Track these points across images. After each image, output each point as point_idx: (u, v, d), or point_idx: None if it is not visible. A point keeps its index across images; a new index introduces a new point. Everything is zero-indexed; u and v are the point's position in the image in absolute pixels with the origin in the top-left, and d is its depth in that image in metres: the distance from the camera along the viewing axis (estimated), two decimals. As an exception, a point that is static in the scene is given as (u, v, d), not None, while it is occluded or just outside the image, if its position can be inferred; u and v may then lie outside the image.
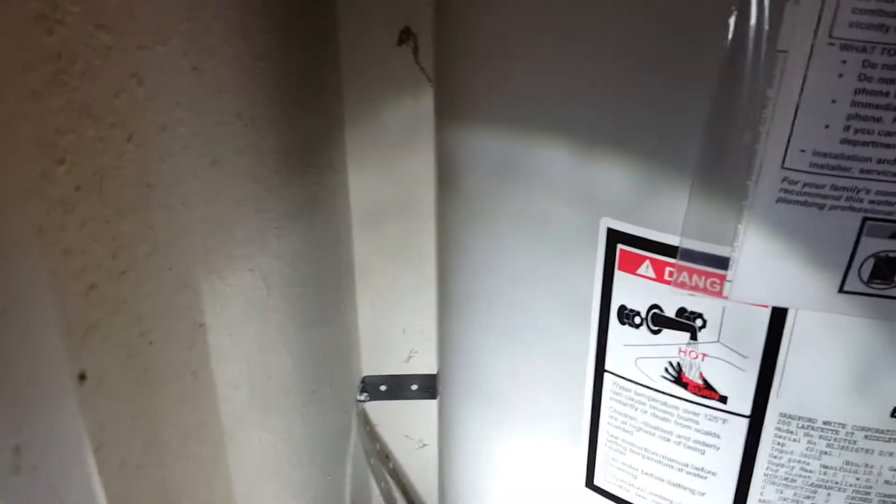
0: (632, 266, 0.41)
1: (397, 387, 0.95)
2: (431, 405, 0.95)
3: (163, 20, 0.41)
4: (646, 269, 0.40)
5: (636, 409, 0.44)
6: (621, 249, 0.41)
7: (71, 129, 0.34)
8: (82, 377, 0.33)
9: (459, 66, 0.48)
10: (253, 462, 0.57)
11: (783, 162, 0.34)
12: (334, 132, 0.78)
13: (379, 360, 0.96)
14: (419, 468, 1.01)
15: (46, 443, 0.25)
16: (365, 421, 0.96)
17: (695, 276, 0.38)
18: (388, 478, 0.98)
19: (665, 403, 0.42)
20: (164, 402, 0.42)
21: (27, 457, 0.23)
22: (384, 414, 0.98)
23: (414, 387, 0.95)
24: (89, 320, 0.35)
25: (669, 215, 0.38)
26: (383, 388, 0.95)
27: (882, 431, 0.38)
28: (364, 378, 0.95)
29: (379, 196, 0.86)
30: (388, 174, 0.85)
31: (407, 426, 0.99)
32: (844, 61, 0.32)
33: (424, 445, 1.00)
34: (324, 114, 0.74)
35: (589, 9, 0.38)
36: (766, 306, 0.37)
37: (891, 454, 0.39)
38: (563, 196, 0.42)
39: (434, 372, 0.94)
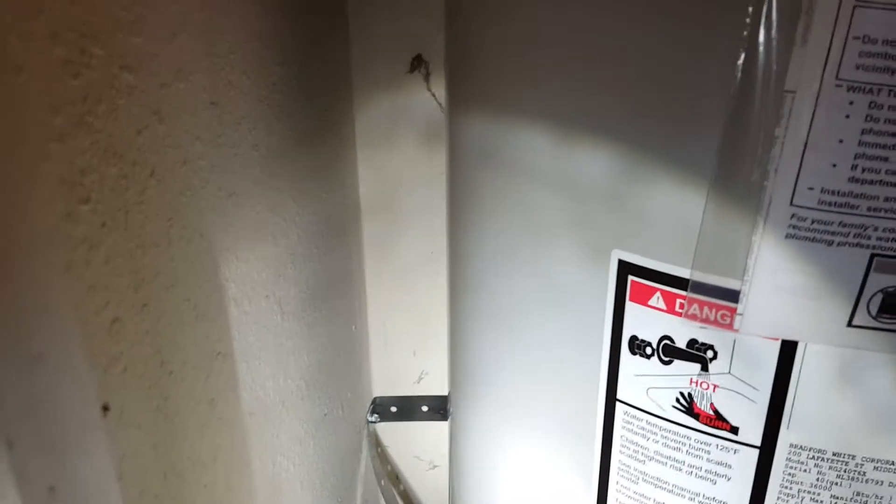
0: (643, 297, 0.41)
1: (408, 408, 0.96)
2: (442, 427, 0.96)
3: (184, 57, 0.42)
4: (657, 300, 0.41)
5: (648, 439, 0.44)
6: (632, 281, 0.41)
7: (95, 169, 0.35)
8: (105, 409, 0.33)
9: (469, 78, 0.50)
10: (268, 487, 0.58)
11: (792, 199, 0.34)
12: (348, 159, 0.79)
13: (390, 382, 0.96)
14: (430, 490, 1.01)
15: (77, 482, 0.26)
16: (376, 442, 0.96)
17: (705, 309, 0.39)
18: (399, 500, 0.98)
19: (676, 433, 0.43)
20: (183, 432, 0.43)
21: (60, 496, 0.24)
22: (395, 435, 0.98)
23: (424, 408, 0.96)
24: (111, 353, 0.35)
25: (680, 248, 0.39)
26: (394, 409, 0.96)
27: (892, 463, 0.39)
28: (375, 399, 0.96)
29: (391, 222, 0.87)
30: (401, 200, 0.86)
31: (417, 448, 0.99)
32: (851, 102, 0.32)
33: (435, 467, 1.00)
34: (337, 141, 0.75)
35: (598, 45, 0.39)
36: (776, 339, 0.38)
37: (901, 486, 0.39)
38: (574, 226, 0.43)
39: (444, 393, 0.94)
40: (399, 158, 0.84)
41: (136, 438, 0.37)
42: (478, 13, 0.47)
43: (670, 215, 0.39)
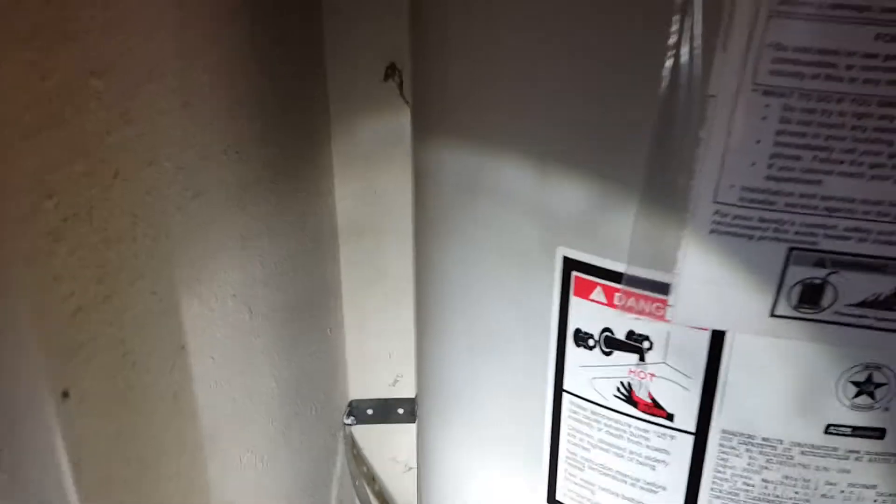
0: (585, 291, 0.44)
1: (384, 410, 0.98)
2: (417, 429, 0.98)
3: (155, 61, 0.44)
4: (598, 294, 0.43)
5: (592, 427, 0.46)
6: (576, 276, 0.44)
7: (61, 166, 0.37)
8: (65, 395, 0.35)
9: (431, 93, 0.52)
10: (235, 481, 0.59)
11: (715, 196, 0.37)
12: (322, 160, 0.81)
13: (366, 384, 0.98)
14: (405, 491, 1.03)
15: (26, 449, 0.27)
16: (351, 444, 0.98)
17: (640, 301, 0.41)
18: (374, 501, 0.99)
19: (618, 421, 0.45)
20: (147, 421, 0.44)
21: (7, 460, 0.26)
22: (371, 437, 1.00)
23: (400, 411, 0.97)
24: (75, 341, 0.37)
25: (618, 243, 0.41)
26: (370, 411, 0.97)
27: (817, 447, 0.41)
28: (351, 402, 0.98)
29: (366, 222, 0.89)
30: (375, 200, 0.88)
31: (393, 450, 1.01)
32: (767, 105, 0.35)
33: (410, 469, 1.02)
34: (313, 143, 0.78)
35: (543, 56, 0.41)
36: (706, 329, 0.40)
37: (826, 469, 0.41)
38: (522, 224, 0.45)
39: (419, 396, 0.96)
40: (374, 160, 0.85)
41: (96, 425, 0.39)
42: (442, 46, 0.49)
43: (607, 212, 0.41)
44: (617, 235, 0.41)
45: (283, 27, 0.67)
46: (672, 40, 0.36)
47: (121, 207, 0.42)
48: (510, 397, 0.51)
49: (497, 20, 0.43)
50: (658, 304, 0.41)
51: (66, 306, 0.37)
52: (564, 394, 0.47)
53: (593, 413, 0.46)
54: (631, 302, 0.41)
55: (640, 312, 0.41)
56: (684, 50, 0.36)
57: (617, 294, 0.42)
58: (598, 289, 0.43)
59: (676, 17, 0.36)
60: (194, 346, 0.50)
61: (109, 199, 0.41)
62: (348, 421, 0.97)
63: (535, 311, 0.46)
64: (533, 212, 0.44)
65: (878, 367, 0.38)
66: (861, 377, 0.39)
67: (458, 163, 0.49)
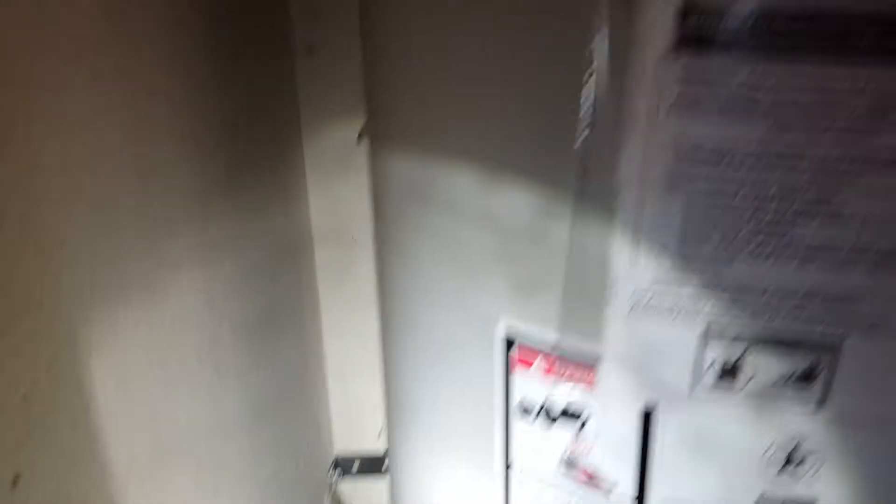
0: (527, 362, 0.45)
1: (370, 464, 0.98)
2: (403, 482, 0.98)
3: (107, 139, 0.45)
4: (538, 364, 0.44)
5: (541, 496, 0.47)
6: (518, 347, 0.45)
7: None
8: (15, 479, 0.37)
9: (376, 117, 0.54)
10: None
11: (631, 278, 0.38)
12: (300, 210, 0.81)
13: (351, 437, 0.99)
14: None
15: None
16: (337, 499, 0.98)
17: (576, 372, 0.42)
18: (362, 555, 0.99)
19: (564, 492, 0.46)
20: (100, 497, 0.46)
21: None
22: (358, 491, 1.00)
23: (387, 463, 0.98)
24: (25, 426, 0.39)
25: (556, 315, 0.43)
26: (355, 465, 0.98)
27: (752, 516, 0.42)
28: (336, 457, 0.98)
29: (345, 254, 0.89)
30: (355, 230, 0.87)
31: (380, 502, 1.01)
32: (673, 196, 0.36)
33: (398, 522, 1.02)
34: (282, 173, 0.77)
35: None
36: (634, 401, 0.41)
37: (763, 539, 0.42)
38: (464, 297, 0.47)
39: (404, 449, 0.97)
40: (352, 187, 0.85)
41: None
42: (391, 60, 0.50)
43: (540, 288, 0.43)
44: (552, 308, 0.42)
45: (250, 71, 0.66)
46: (581, 133, 0.38)
47: (77, 280, 0.43)
48: (461, 467, 0.52)
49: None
50: (590, 375, 0.42)
51: (16, 392, 0.39)
52: (513, 463, 0.48)
53: (540, 482, 0.47)
54: (565, 373, 0.43)
55: (576, 382, 0.42)
56: (592, 140, 0.38)
57: (554, 365, 0.43)
58: (539, 359, 0.44)
59: (585, 111, 0.37)
60: (156, 413, 0.51)
61: (61, 272, 0.42)
62: (334, 476, 0.97)
63: (479, 383, 0.48)
64: (475, 282, 0.46)
65: (801, 440, 0.39)
66: (785, 451, 0.40)
67: (427, 207, 0.50)
